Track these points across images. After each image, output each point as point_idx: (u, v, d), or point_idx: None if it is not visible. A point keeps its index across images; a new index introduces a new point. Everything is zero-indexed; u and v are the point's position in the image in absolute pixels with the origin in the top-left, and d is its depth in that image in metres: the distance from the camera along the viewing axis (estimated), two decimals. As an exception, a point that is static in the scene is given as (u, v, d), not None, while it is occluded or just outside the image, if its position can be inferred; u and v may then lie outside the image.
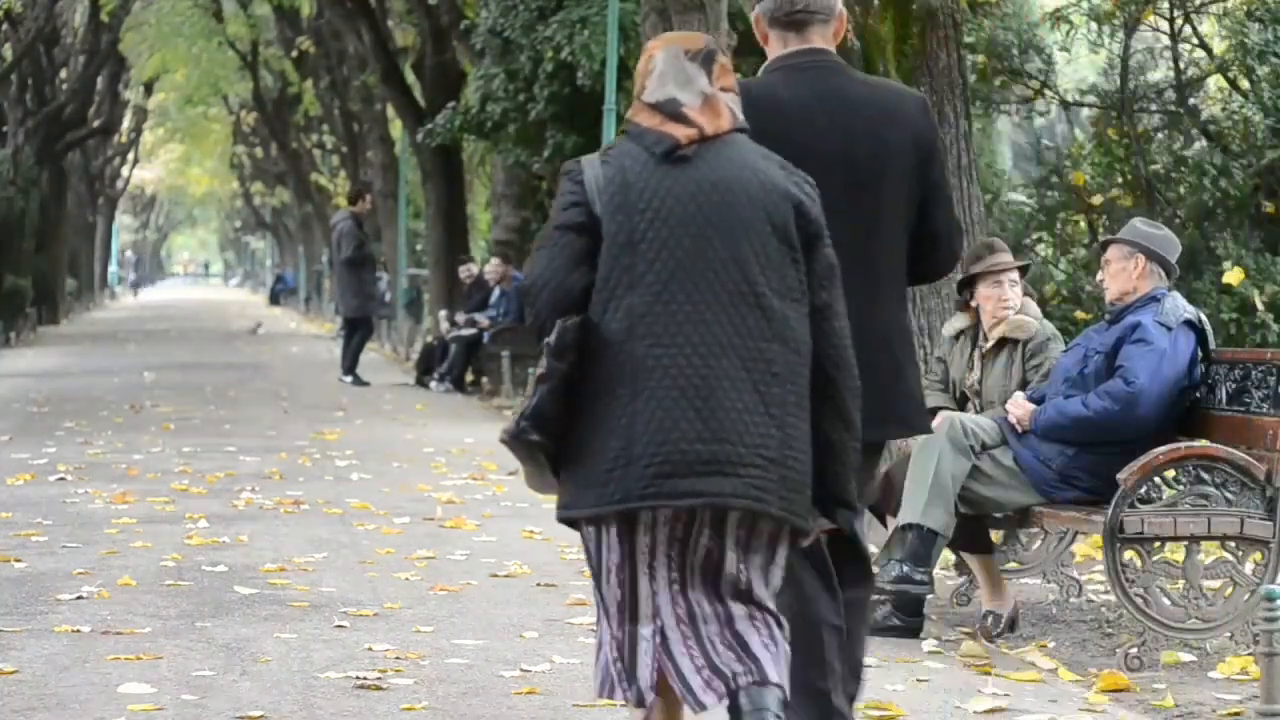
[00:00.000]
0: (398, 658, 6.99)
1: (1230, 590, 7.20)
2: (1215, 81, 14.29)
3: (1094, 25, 13.43)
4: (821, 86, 5.14)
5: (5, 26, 35.69)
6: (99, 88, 45.29)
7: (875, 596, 7.80)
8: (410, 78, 30.62)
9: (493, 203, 28.12)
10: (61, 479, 12.64)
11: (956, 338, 8.50)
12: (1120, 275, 7.72)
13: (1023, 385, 8.07)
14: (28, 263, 36.47)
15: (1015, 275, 8.27)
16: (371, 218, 30.50)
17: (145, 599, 8.15)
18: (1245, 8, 13.32)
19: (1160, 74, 14.19)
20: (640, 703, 4.64)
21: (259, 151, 59.26)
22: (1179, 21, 13.63)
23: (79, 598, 8.13)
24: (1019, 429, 7.75)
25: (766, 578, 4.66)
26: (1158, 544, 7.21)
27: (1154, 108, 13.93)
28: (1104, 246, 7.96)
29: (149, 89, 52.91)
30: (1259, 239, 12.90)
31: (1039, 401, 7.79)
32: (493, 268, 22.79)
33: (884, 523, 8.11)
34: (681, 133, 4.62)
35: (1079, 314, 12.88)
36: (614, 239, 4.56)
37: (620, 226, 4.56)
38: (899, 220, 5.18)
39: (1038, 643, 7.75)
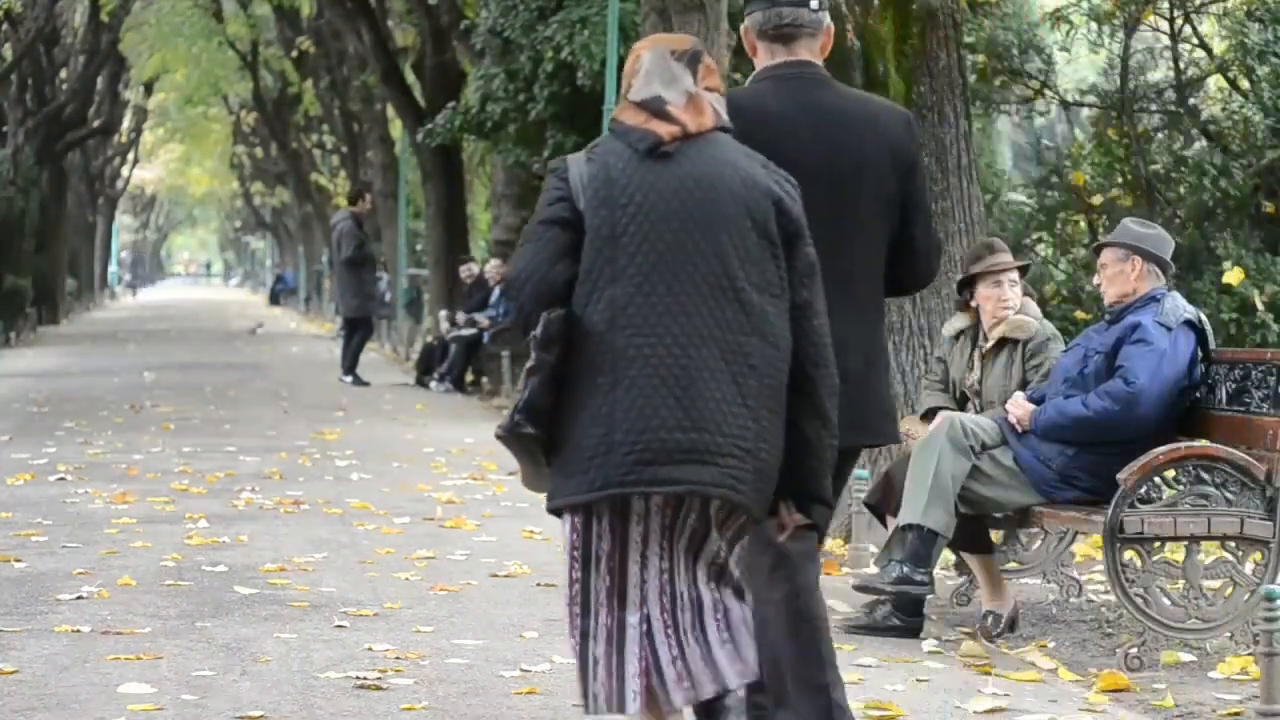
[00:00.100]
0: (398, 658, 6.99)
1: (1230, 590, 7.20)
2: (1215, 81, 14.29)
3: (1094, 25, 13.43)
4: (806, 98, 5.24)
5: (5, 26, 35.68)
6: (99, 88, 45.28)
7: (875, 597, 7.82)
8: (410, 78, 30.62)
9: (493, 203, 28.13)
10: (61, 479, 12.64)
11: (956, 338, 8.50)
12: (1118, 278, 7.72)
13: (1023, 385, 8.07)
14: (28, 263, 36.47)
15: (1015, 275, 8.27)
16: (371, 218, 30.50)
17: (145, 599, 8.15)
18: (1245, 8, 13.32)
19: (1160, 74, 14.19)
20: (621, 708, 4.68)
21: (259, 151, 59.25)
22: (1179, 21, 13.63)
23: (79, 598, 8.13)
24: (1019, 429, 7.75)
25: (737, 556, 4.78)
26: (1158, 544, 7.21)
27: (1154, 108, 13.93)
28: (1098, 250, 7.96)
29: (149, 89, 52.89)
30: (1259, 239, 12.90)
31: (1039, 401, 7.79)
32: (493, 268, 22.80)
33: (884, 523, 8.11)
34: (665, 130, 4.71)
35: (1079, 314, 12.87)
36: (597, 232, 4.65)
37: (603, 220, 4.65)
38: (878, 232, 5.27)
39: (1038, 643, 7.75)
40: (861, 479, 9.43)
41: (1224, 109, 13.69)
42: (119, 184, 69.48)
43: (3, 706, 6.12)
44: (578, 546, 4.69)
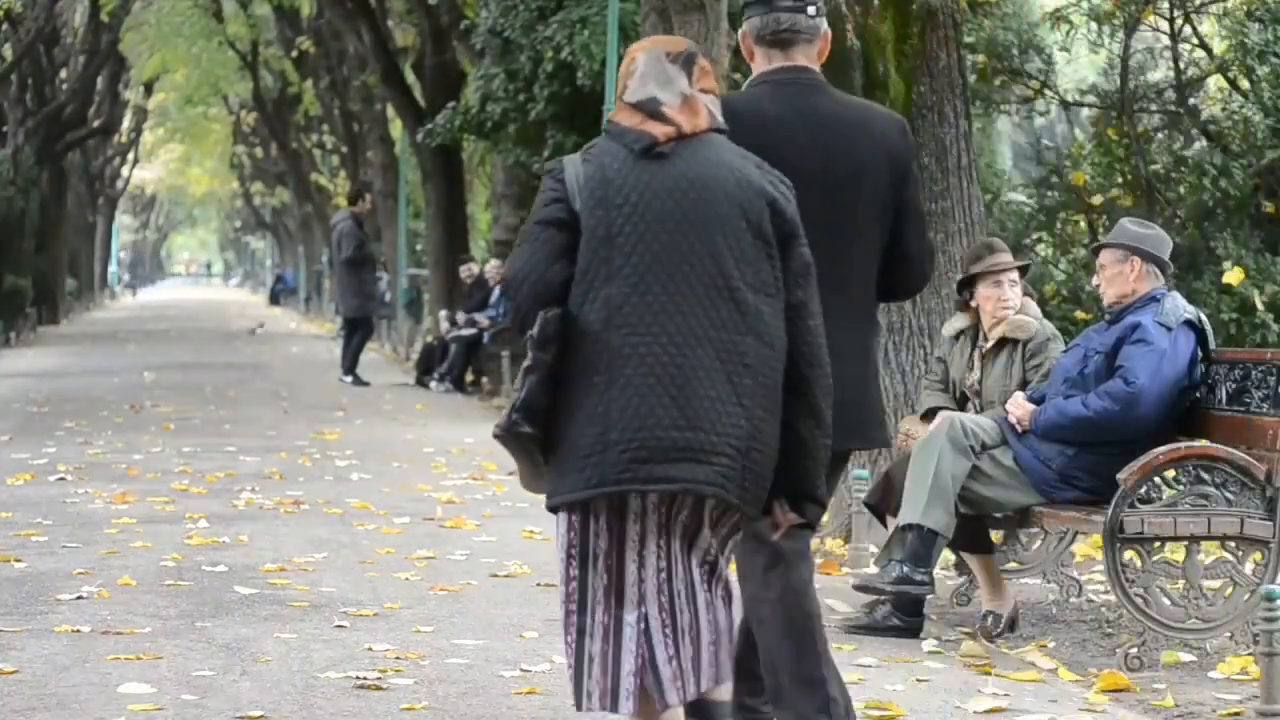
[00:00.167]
0: (398, 658, 6.99)
1: (1230, 590, 7.20)
2: (1215, 81, 14.28)
3: (1094, 25, 13.42)
4: (803, 104, 5.28)
5: (5, 26, 35.66)
6: (99, 88, 45.28)
7: (875, 597, 7.83)
8: (410, 78, 30.62)
9: (493, 203, 28.12)
10: (61, 479, 12.64)
11: (956, 338, 8.50)
12: (1117, 279, 7.72)
13: (1023, 385, 8.07)
14: (28, 263, 36.46)
15: (1015, 275, 8.27)
16: (371, 218, 30.49)
17: (145, 599, 8.15)
18: (1245, 8, 13.31)
19: (1160, 74, 14.18)
20: (614, 707, 4.71)
21: (259, 151, 59.24)
22: (1179, 21, 13.62)
23: (79, 598, 8.13)
24: (1019, 429, 7.75)
25: (729, 554, 4.84)
26: (1158, 544, 7.21)
27: (1154, 108, 13.92)
28: (1096, 251, 7.96)
29: (149, 89, 52.90)
30: (1259, 239, 12.90)
31: (1039, 401, 7.79)
32: (493, 268, 22.79)
33: (884, 523, 8.11)
34: (660, 130, 4.75)
35: (1079, 314, 12.87)
36: (593, 233, 4.68)
37: (599, 220, 4.68)
38: (872, 239, 5.31)
39: (1038, 643, 7.75)
40: (861, 479, 9.43)
41: (1224, 109, 13.69)
42: (119, 184, 69.47)
43: (3, 706, 6.12)
44: (575, 545, 4.71)
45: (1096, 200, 13.60)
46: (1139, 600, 7.15)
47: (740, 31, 5.41)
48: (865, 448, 5.63)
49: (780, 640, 5.08)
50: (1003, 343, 8.24)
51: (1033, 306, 8.34)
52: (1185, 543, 7.22)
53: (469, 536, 10.27)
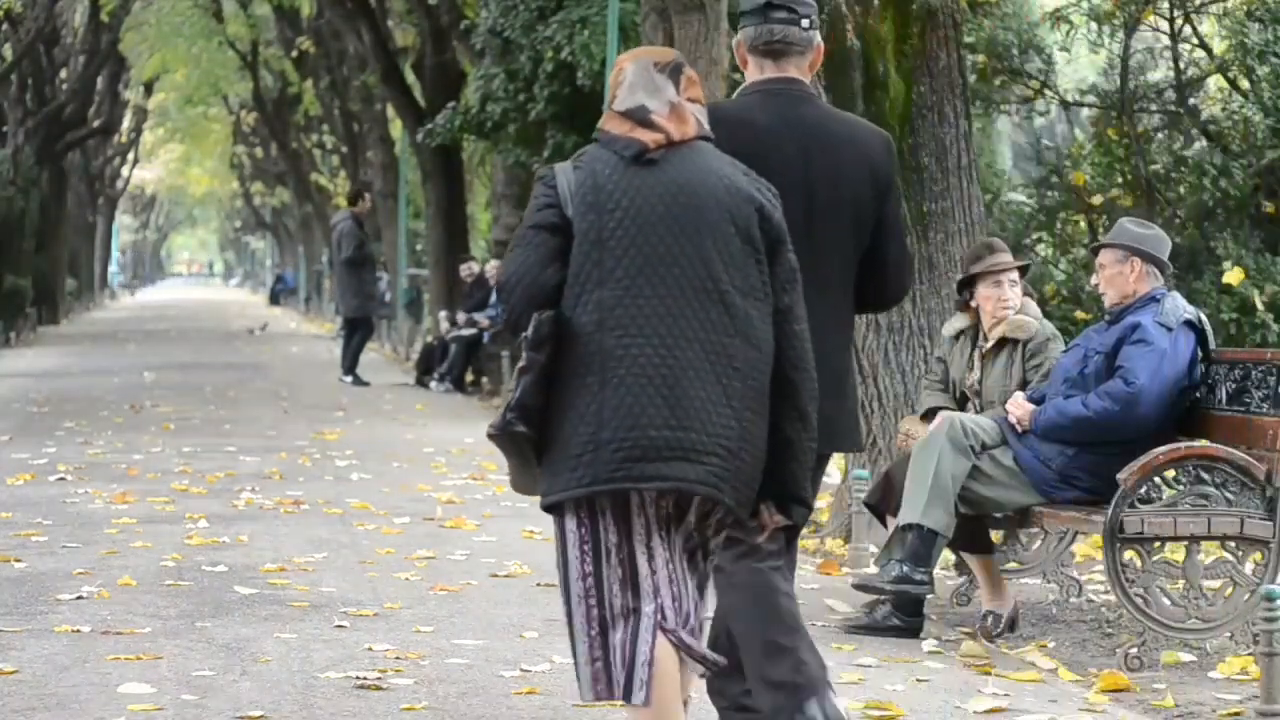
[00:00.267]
0: (398, 658, 6.99)
1: (1230, 590, 7.20)
2: (1215, 81, 14.28)
3: (1094, 25, 13.42)
4: (791, 114, 5.39)
5: (5, 26, 35.66)
6: (99, 88, 45.27)
7: (875, 596, 7.83)
8: (410, 78, 30.62)
9: (493, 203, 28.12)
10: (61, 479, 12.64)
11: (956, 338, 8.50)
12: (1117, 280, 7.73)
13: (1023, 385, 8.07)
14: (28, 263, 36.46)
15: (1015, 275, 8.27)
16: (371, 218, 30.49)
17: (145, 599, 8.15)
18: (1245, 8, 13.31)
19: (1160, 74, 14.18)
20: (627, 696, 4.76)
21: (259, 151, 59.25)
22: (1179, 21, 13.62)
23: (79, 598, 8.13)
24: (1019, 429, 7.75)
25: (713, 552, 4.92)
26: (1158, 544, 7.21)
27: (1154, 108, 13.92)
28: (1096, 251, 7.96)
29: (149, 89, 52.90)
30: (1259, 239, 12.90)
31: (1039, 401, 7.79)
32: (493, 268, 22.78)
33: (884, 523, 8.11)
34: (649, 137, 4.85)
35: (1079, 314, 12.87)
36: (585, 236, 4.76)
37: (591, 225, 4.76)
38: (851, 249, 5.42)
39: (1038, 643, 7.75)
40: (861, 479, 9.43)
41: (1224, 109, 13.69)
42: (119, 184, 69.47)
43: (3, 706, 6.12)
44: (587, 540, 4.77)
45: (1096, 200, 13.61)
46: (1139, 600, 7.15)
47: (735, 40, 5.53)
48: (843, 450, 5.73)
49: (755, 624, 5.16)
50: (1003, 343, 8.24)
51: (1033, 306, 8.34)
52: (1185, 543, 7.22)
53: (469, 536, 10.28)
